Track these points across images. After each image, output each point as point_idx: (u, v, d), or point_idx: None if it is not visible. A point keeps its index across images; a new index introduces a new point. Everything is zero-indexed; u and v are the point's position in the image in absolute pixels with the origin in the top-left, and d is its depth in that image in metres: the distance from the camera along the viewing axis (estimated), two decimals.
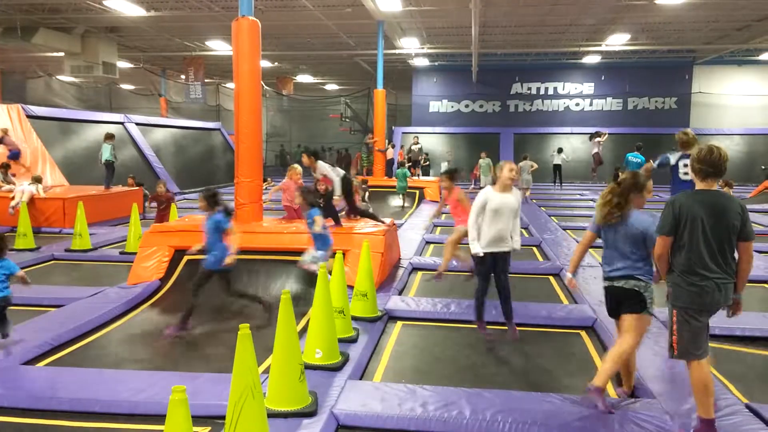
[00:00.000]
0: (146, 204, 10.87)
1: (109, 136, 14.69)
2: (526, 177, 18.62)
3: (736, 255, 3.76)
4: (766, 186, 18.82)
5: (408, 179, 18.53)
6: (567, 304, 7.12)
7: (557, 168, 21.82)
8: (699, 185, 3.79)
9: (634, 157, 16.31)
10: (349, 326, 5.72)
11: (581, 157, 26.96)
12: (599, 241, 4.49)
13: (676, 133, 6.86)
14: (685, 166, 6.58)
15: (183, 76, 28.28)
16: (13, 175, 13.84)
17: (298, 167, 9.63)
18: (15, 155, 14.84)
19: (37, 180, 12.89)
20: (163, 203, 10.83)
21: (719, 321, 6.10)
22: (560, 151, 22.01)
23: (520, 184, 19.47)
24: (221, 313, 6.76)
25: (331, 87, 37.81)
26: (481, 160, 20.16)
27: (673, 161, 6.81)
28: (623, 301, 4.28)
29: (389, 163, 21.25)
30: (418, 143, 22.33)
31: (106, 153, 14.47)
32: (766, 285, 8.19)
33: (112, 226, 12.86)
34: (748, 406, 4.24)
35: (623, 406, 4.23)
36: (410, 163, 21.81)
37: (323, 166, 8.51)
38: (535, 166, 18.53)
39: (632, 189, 4.20)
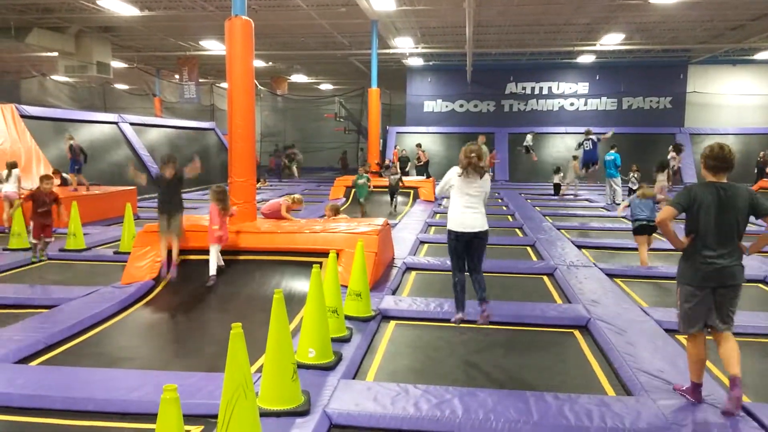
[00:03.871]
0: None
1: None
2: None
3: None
4: (761, 185, 18.88)
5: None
6: (561, 304, 7.14)
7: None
8: (711, 179, 4.23)
9: (608, 155, 17.29)
10: (343, 326, 5.72)
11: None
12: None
13: None
14: None
15: (177, 76, 28.24)
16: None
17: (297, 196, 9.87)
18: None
19: (12, 166, 12.26)
20: (44, 204, 8.79)
21: None
22: (584, 143, 20.79)
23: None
24: (214, 312, 6.76)
25: (326, 87, 37.82)
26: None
27: None
28: None
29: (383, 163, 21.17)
30: (404, 150, 23.23)
31: None
32: (761, 285, 8.22)
33: (106, 225, 12.83)
34: (742, 406, 4.24)
35: (615, 403, 4.24)
36: (399, 169, 21.93)
37: None
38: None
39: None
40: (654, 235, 9.22)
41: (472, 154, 5.45)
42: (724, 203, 4.11)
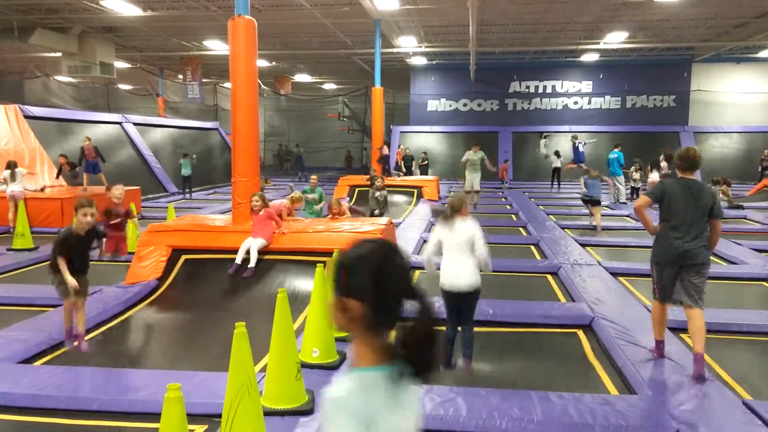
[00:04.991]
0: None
1: (186, 154, 18.25)
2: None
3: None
4: (766, 184, 18.85)
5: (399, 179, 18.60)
6: (564, 303, 7.13)
7: (556, 171, 21.78)
8: (681, 175, 4.97)
9: (612, 153, 17.26)
10: None
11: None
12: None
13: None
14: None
15: (180, 76, 28.22)
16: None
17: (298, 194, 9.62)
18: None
19: (14, 165, 12.15)
20: (117, 216, 7.37)
21: (717, 317, 6.14)
22: (558, 154, 21.92)
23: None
24: (218, 311, 6.76)
25: (329, 86, 37.79)
26: (470, 153, 15.17)
27: None
28: None
29: (385, 158, 20.89)
30: (407, 149, 24.18)
31: (185, 168, 18.03)
32: (764, 283, 8.20)
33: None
34: (746, 404, 4.24)
35: (619, 401, 4.23)
36: (400, 167, 22.19)
37: None
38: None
39: None
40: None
41: (449, 207, 5.14)
42: (691, 195, 4.80)
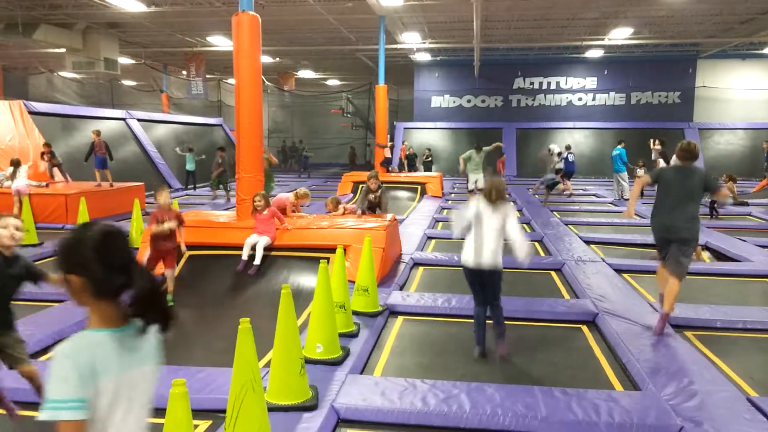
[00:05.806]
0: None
1: (191, 149, 18.47)
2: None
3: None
4: None
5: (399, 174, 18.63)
6: (569, 299, 7.12)
7: (560, 171, 21.70)
8: (679, 164, 5.76)
9: (615, 150, 17.62)
10: (350, 321, 5.72)
11: (583, 152, 26.89)
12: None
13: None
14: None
15: (184, 72, 28.26)
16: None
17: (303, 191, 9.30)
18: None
19: (17, 163, 12.19)
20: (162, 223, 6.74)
21: (723, 314, 6.12)
22: (568, 148, 21.66)
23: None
24: (222, 307, 6.77)
25: (333, 82, 37.76)
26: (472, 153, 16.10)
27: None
28: None
29: (387, 161, 20.84)
30: (411, 147, 24.06)
31: (190, 163, 18.23)
32: None
33: (114, 221, 12.83)
34: (750, 401, 4.23)
35: (623, 398, 4.23)
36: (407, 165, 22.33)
37: None
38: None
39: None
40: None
41: (492, 190, 5.17)
42: (682, 179, 5.54)
